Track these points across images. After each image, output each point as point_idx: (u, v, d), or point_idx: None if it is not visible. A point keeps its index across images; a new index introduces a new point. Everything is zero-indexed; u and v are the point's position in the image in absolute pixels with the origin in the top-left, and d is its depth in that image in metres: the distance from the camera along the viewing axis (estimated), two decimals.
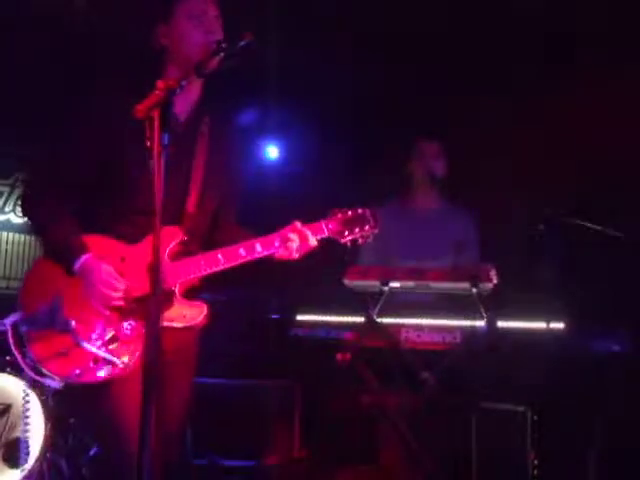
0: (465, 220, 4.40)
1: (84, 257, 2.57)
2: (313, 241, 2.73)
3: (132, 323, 2.57)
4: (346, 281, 3.70)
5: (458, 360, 3.51)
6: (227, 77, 2.58)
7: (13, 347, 2.56)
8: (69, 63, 5.00)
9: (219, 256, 2.65)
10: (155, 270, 2.12)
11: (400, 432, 3.52)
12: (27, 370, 2.57)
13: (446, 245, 4.22)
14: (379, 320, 3.55)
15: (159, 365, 2.12)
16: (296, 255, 2.71)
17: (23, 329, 2.56)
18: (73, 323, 2.54)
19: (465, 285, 3.54)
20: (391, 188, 4.55)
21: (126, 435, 2.47)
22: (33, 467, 4.04)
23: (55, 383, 2.57)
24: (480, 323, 3.54)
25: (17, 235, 5.47)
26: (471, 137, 4.71)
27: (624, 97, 4.46)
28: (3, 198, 5.45)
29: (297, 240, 2.69)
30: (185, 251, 2.69)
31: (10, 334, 2.57)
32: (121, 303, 2.56)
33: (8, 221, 5.45)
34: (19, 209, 5.52)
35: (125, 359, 2.54)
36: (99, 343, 2.54)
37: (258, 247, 2.69)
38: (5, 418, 4.07)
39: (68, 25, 4.98)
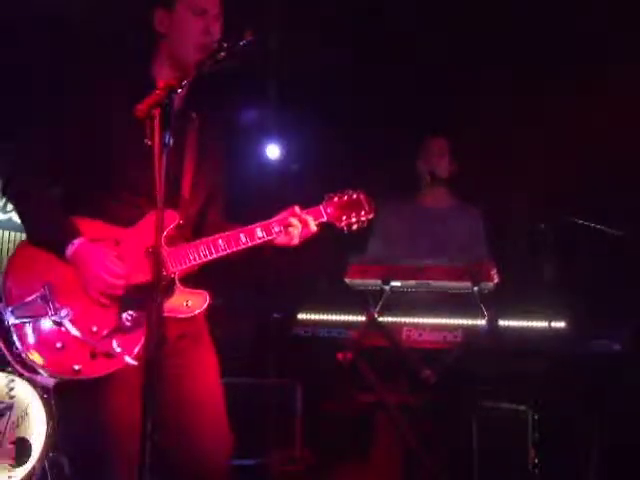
0: (471, 218, 4.39)
1: (77, 241, 2.41)
2: (313, 226, 2.67)
3: (132, 313, 2.43)
4: (347, 280, 3.70)
5: (459, 359, 3.52)
6: (217, 73, 2.53)
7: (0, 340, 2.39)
8: (69, 63, 4.99)
9: (220, 241, 2.56)
10: (156, 272, 2.10)
11: (401, 431, 3.52)
12: (16, 366, 2.40)
13: (449, 245, 4.22)
14: (380, 319, 3.55)
15: (159, 360, 2.09)
16: (297, 241, 2.65)
17: (10, 321, 2.35)
18: (68, 314, 2.38)
19: (466, 284, 3.54)
20: (392, 187, 4.55)
21: (119, 433, 2.37)
22: (35, 466, 4.04)
23: (48, 380, 2.42)
24: (481, 322, 3.55)
25: (19, 234, 5.46)
26: (471, 137, 4.72)
27: (625, 96, 4.47)
28: (4, 198, 5.44)
29: (299, 226, 2.63)
30: (180, 236, 2.59)
31: None
32: (123, 284, 2.41)
33: (10, 220, 5.44)
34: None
35: (126, 351, 2.39)
36: (98, 335, 2.39)
37: (259, 232, 2.61)
38: (7, 417, 4.08)
39: (68, 25, 4.98)
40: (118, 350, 2.39)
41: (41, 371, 2.36)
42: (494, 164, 4.75)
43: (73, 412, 2.52)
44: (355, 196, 2.78)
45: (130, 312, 2.44)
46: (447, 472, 3.61)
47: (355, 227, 2.76)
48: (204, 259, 2.56)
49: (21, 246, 2.55)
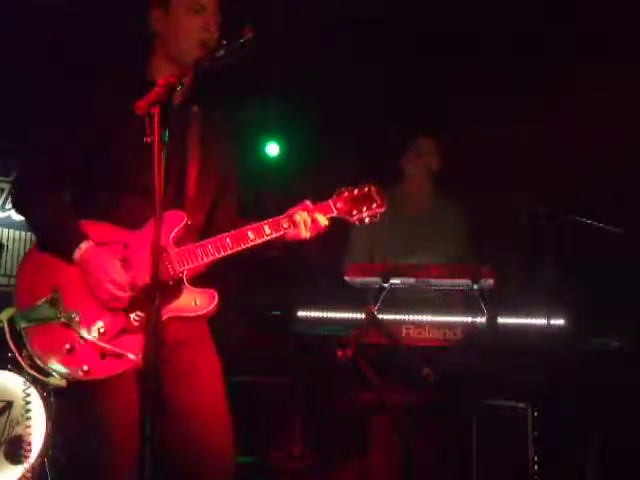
0: (452, 218, 4.43)
1: (84, 246, 2.43)
2: (324, 220, 2.67)
3: (140, 314, 2.44)
4: (347, 278, 3.70)
5: (458, 356, 3.52)
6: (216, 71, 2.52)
7: (11, 344, 2.41)
8: (69, 63, 5.00)
9: (227, 240, 2.55)
10: (155, 275, 2.08)
11: (400, 429, 3.52)
12: (27, 368, 2.41)
13: (422, 245, 4.24)
14: (380, 317, 3.55)
15: (159, 362, 2.07)
16: (307, 235, 2.64)
17: (21, 325, 2.40)
18: (77, 316, 2.41)
19: (466, 282, 3.54)
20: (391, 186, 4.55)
21: (115, 435, 2.38)
22: (34, 464, 4.04)
23: (59, 381, 2.40)
24: (481, 319, 3.55)
25: (18, 232, 5.47)
26: (471, 136, 4.72)
27: (624, 96, 4.47)
28: (4, 195, 5.45)
29: (308, 220, 2.63)
30: (188, 236, 2.57)
31: (8, 330, 2.41)
32: (127, 296, 2.43)
33: (9, 218, 5.45)
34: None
35: (135, 352, 2.40)
36: (107, 336, 2.42)
37: (266, 229, 2.59)
38: (6, 415, 4.08)
39: (68, 25, 4.99)
40: (127, 351, 2.41)
41: (51, 373, 2.39)
42: (494, 163, 4.75)
43: (71, 413, 2.53)
44: (366, 189, 2.77)
45: (138, 313, 2.45)
46: (446, 470, 3.61)
47: (367, 221, 2.75)
48: (212, 258, 2.54)
49: (31, 250, 2.57)
